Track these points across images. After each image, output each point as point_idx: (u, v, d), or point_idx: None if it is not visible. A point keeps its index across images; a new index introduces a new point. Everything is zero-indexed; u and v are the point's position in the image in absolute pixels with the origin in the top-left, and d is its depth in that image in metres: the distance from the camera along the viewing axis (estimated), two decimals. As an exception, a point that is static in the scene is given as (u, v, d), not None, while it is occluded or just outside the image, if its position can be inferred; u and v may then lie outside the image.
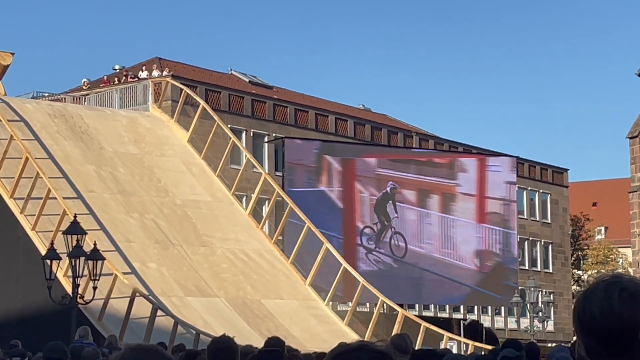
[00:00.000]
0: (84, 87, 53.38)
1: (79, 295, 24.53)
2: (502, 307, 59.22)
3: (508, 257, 44.75)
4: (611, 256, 79.55)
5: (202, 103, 39.61)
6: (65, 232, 24.97)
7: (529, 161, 66.37)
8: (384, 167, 42.97)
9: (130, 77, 52.00)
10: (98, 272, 24.51)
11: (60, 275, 27.19)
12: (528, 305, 45.40)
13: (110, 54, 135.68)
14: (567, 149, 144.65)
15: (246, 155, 39.18)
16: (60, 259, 25.25)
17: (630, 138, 49.86)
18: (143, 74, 51.67)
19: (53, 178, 31.99)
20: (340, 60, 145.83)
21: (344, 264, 34.84)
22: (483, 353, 23.46)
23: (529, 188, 66.13)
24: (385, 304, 35.11)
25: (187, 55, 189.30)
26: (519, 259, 57.83)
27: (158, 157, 36.96)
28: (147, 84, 43.42)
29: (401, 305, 35.90)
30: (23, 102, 38.04)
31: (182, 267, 32.56)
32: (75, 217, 25.39)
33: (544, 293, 55.75)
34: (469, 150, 58.74)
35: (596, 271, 77.03)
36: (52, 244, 25.37)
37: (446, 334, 33.23)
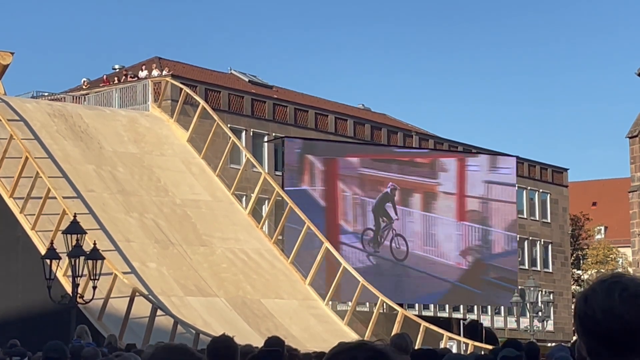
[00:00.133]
0: (84, 87, 53.38)
1: (78, 295, 24.54)
2: (502, 307, 59.24)
3: (487, 253, 45.64)
4: (611, 256, 79.56)
5: (202, 103, 39.61)
6: (64, 232, 24.97)
7: (529, 161, 66.38)
8: (367, 167, 43.66)
9: (130, 77, 52.00)
10: (98, 272, 24.52)
11: (60, 274, 27.19)
12: (528, 305, 45.40)
13: (110, 54, 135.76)
14: (567, 149, 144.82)
15: (246, 155, 39.18)
16: (60, 258, 25.26)
17: (630, 138, 49.86)
18: (143, 74, 51.67)
19: (53, 178, 31.98)
20: (340, 60, 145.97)
21: (344, 264, 34.84)
22: (483, 353, 23.46)
23: (529, 188, 66.13)
24: (385, 304, 35.12)
25: (187, 55, 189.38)
26: (519, 259, 57.87)
27: (158, 156, 36.96)
28: (147, 83, 43.42)
29: (401, 305, 35.92)
30: (23, 102, 38.03)
31: (182, 266, 32.56)
32: (74, 216, 25.40)
33: (543, 293, 55.78)
34: (468, 150, 58.74)
35: (596, 271, 77.04)
36: (51, 243, 25.38)
37: (446, 333, 33.23)
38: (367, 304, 42.21)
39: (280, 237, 37.59)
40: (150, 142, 37.63)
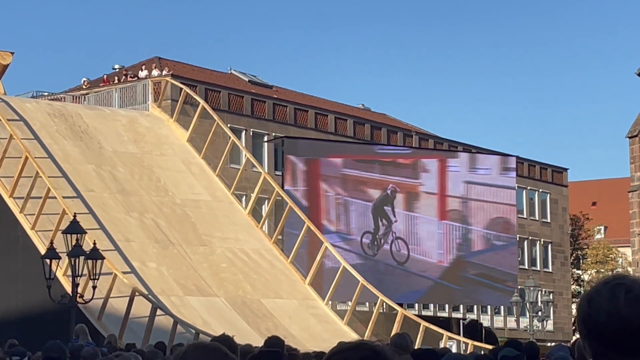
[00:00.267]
0: (84, 87, 53.37)
1: (78, 295, 24.54)
2: (502, 307, 59.26)
3: (467, 251, 46.39)
4: (611, 256, 79.53)
5: (202, 102, 39.61)
6: (64, 232, 24.98)
7: (529, 160, 66.38)
8: (349, 167, 44.10)
9: (130, 77, 52.00)
10: (97, 272, 24.53)
11: (59, 274, 27.20)
12: (527, 304, 45.43)
13: (109, 54, 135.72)
14: (566, 149, 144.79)
15: (246, 155, 39.18)
16: (59, 258, 25.27)
17: (629, 137, 49.87)
18: (142, 74, 51.66)
19: (52, 177, 31.98)
20: (340, 59, 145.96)
21: (344, 263, 34.84)
22: (482, 352, 23.45)
23: (529, 187, 66.13)
24: (384, 304, 35.14)
25: (187, 55, 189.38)
26: (519, 259, 57.90)
27: (158, 156, 36.96)
28: (147, 83, 43.42)
29: (401, 305, 35.94)
30: (23, 102, 38.03)
31: (182, 266, 32.56)
32: (74, 216, 25.40)
33: (543, 292, 55.79)
34: (468, 150, 58.75)
35: (596, 270, 77.02)
36: (51, 243, 25.39)
37: (446, 333, 33.23)
38: (367, 303, 42.21)
39: (280, 237, 37.59)
40: (150, 142, 37.63)
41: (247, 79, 59.82)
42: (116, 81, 51.21)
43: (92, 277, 24.44)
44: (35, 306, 29.11)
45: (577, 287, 76.20)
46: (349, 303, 35.48)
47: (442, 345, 29.50)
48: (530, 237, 66.45)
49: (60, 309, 25.04)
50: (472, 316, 55.47)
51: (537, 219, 67.28)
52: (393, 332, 26.91)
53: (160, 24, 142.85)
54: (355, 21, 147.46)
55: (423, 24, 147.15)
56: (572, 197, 71.56)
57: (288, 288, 34.31)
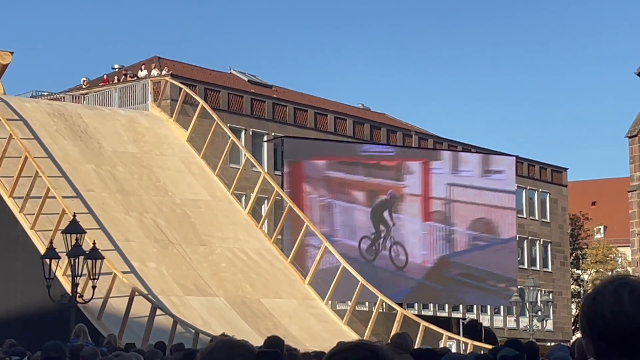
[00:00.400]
0: (83, 86, 53.38)
1: (78, 295, 24.55)
2: (502, 306, 59.28)
3: (450, 251, 47.03)
4: (610, 255, 79.52)
5: (202, 102, 39.59)
6: (64, 231, 24.99)
7: (528, 160, 66.38)
8: (333, 170, 44.23)
9: (130, 76, 52.00)
10: (97, 271, 24.54)
11: (59, 274, 27.19)
12: (527, 304, 45.45)
13: (109, 53, 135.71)
14: (566, 148, 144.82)
15: (245, 155, 39.17)
16: (59, 258, 25.27)
17: (629, 137, 49.89)
18: (142, 73, 51.67)
19: (52, 177, 31.98)
20: (340, 59, 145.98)
21: (343, 263, 34.84)
22: (482, 352, 23.44)
23: (528, 187, 66.13)
24: (384, 303, 35.13)
25: (186, 55, 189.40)
26: (519, 258, 57.91)
27: (157, 156, 36.95)
28: (146, 83, 43.40)
29: (400, 305, 35.93)
30: (22, 101, 38.02)
31: (182, 266, 32.55)
32: (74, 216, 25.41)
33: (543, 292, 55.81)
34: (468, 150, 58.75)
35: (595, 270, 77.00)
36: (51, 243, 25.39)
37: (445, 333, 33.22)
38: (367, 303, 42.20)
39: (279, 237, 37.59)
40: (149, 141, 37.62)
41: (246, 79, 59.82)
42: (116, 81, 51.21)
43: (91, 277, 24.44)
44: (34, 306, 29.10)
45: (576, 287, 76.20)
46: (349, 303, 35.47)
47: (441, 345, 29.49)
48: (529, 237, 66.44)
49: (60, 309, 25.05)
50: (471, 316, 55.49)
51: (536, 218, 67.27)
52: (393, 332, 26.90)
53: (160, 24, 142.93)
54: (354, 21, 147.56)
55: (423, 24, 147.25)
56: (571, 197, 71.55)
57: (288, 288, 34.31)
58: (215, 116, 38.26)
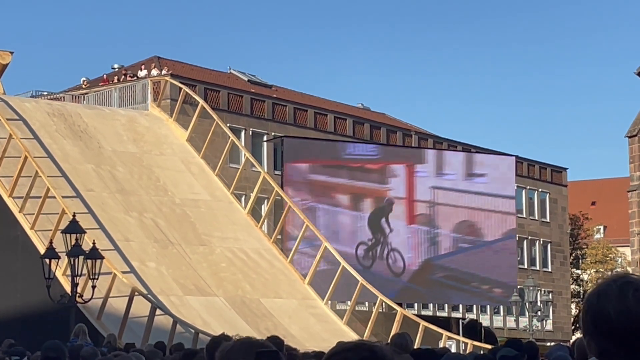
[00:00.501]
0: (83, 86, 53.37)
1: (77, 294, 24.54)
2: (501, 306, 59.28)
3: (435, 254, 47.18)
4: (610, 255, 79.50)
5: (201, 102, 39.59)
6: (64, 231, 24.98)
7: (528, 160, 66.36)
8: (316, 173, 44.10)
9: (129, 76, 51.99)
10: (97, 271, 24.53)
11: (59, 274, 27.19)
12: (527, 304, 45.40)
13: (109, 53, 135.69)
14: (566, 148, 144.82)
15: (245, 154, 39.17)
16: (59, 258, 25.27)
17: (629, 137, 49.89)
18: (142, 73, 51.66)
19: (52, 177, 31.97)
20: (339, 59, 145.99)
21: (343, 263, 34.85)
22: (482, 352, 23.46)
23: (528, 187, 66.12)
24: (384, 303, 35.14)
25: (186, 54, 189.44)
26: (518, 258, 57.91)
27: (157, 156, 36.95)
28: (146, 82, 43.39)
29: (400, 305, 35.93)
30: (22, 101, 38.02)
31: (181, 266, 32.55)
32: (74, 216, 25.41)
33: (542, 292, 55.77)
34: (467, 149, 58.76)
35: (595, 270, 77.00)
36: (51, 243, 25.39)
37: (445, 333, 33.23)
38: (367, 303, 42.20)
39: (279, 237, 37.59)
40: (149, 141, 37.62)
41: (246, 79, 59.81)
42: (115, 81, 51.20)
43: (91, 277, 24.44)
44: (34, 306, 29.10)
45: (576, 286, 76.19)
46: (349, 303, 35.47)
47: (441, 345, 29.50)
48: (529, 237, 66.43)
49: (60, 309, 25.04)
50: (471, 316, 55.49)
51: (536, 218, 67.26)
52: (392, 332, 26.90)
53: (160, 24, 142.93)
54: (354, 21, 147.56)
55: (423, 24, 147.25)
56: (571, 197, 71.54)
57: (287, 288, 34.31)
58: (215, 116, 38.26)
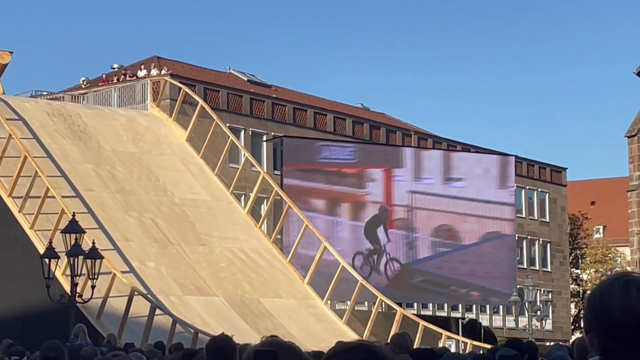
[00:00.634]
0: (83, 86, 53.35)
1: (77, 294, 24.54)
2: (501, 306, 59.28)
3: (413, 258, 46.95)
4: (609, 255, 79.51)
5: (201, 102, 39.60)
6: (63, 231, 24.99)
7: (528, 160, 66.35)
8: (290, 177, 43.83)
9: (129, 76, 51.98)
10: (96, 271, 24.53)
11: (58, 274, 27.19)
12: (526, 304, 45.41)
13: (108, 53, 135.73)
14: (565, 148, 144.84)
15: (245, 154, 39.17)
16: (58, 257, 25.27)
17: (628, 137, 49.92)
18: (141, 73, 51.65)
19: (51, 177, 31.97)
20: (339, 59, 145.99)
21: (343, 263, 34.85)
22: (481, 352, 23.45)
23: (527, 187, 66.11)
24: (383, 303, 35.14)
25: (186, 54, 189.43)
26: (517, 258, 57.91)
27: (156, 155, 36.95)
28: (146, 82, 43.38)
29: (399, 304, 35.93)
30: (21, 101, 38.02)
31: (181, 265, 32.56)
32: (73, 215, 25.41)
33: (542, 292, 55.79)
34: (467, 149, 58.76)
35: (594, 270, 77.00)
36: (50, 242, 25.39)
37: (444, 332, 33.22)
38: (366, 303, 42.20)
39: (279, 237, 37.58)
40: (149, 141, 37.62)
41: (246, 79, 59.81)
42: (115, 81, 51.18)
43: (91, 277, 24.44)
44: (34, 305, 29.10)
45: (576, 286, 76.18)
46: (348, 302, 35.48)
47: (441, 344, 29.49)
48: (529, 237, 66.42)
49: (59, 309, 25.04)
50: (471, 315, 55.49)
51: (535, 218, 67.24)
52: (392, 332, 26.91)
53: (159, 24, 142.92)
54: (354, 21, 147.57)
55: (422, 24, 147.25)
56: (571, 197, 71.53)
57: (287, 287, 34.31)
58: (214, 116, 38.25)
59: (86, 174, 34.19)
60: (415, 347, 14.32)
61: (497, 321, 62.82)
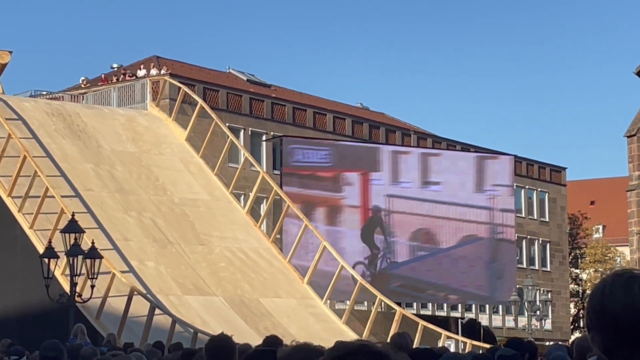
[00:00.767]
0: (82, 86, 53.35)
1: (76, 294, 24.53)
2: (500, 306, 59.28)
3: (390, 262, 46.53)
4: (609, 255, 79.55)
5: (200, 101, 39.59)
6: (63, 231, 24.98)
7: (527, 160, 66.38)
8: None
9: (128, 76, 51.98)
10: (96, 271, 24.53)
11: (58, 273, 27.19)
12: (526, 303, 45.43)
13: (108, 53, 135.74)
14: (565, 148, 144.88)
15: (244, 154, 39.17)
16: (58, 257, 25.26)
17: (628, 137, 49.91)
18: (141, 73, 51.65)
19: (51, 176, 31.97)
20: (339, 58, 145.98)
21: (342, 263, 34.85)
22: (481, 352, 23.46)
23: (527, 187, 66.13)
24: (383, 303, 35.14)
25: (185, 54, 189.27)
26: (517, 258, 57.91)
27: (156, 155, 36.95)
28: (145, 82, 43.37)
29: (399, 304, 35.93)
30: (21, 101, 38.01)
31: (180, 265, 32.55)
32: (73, 215, 25.41)
33: (541, 292, 55.83)
34: (467, 149, 58.77)
35: (594, 270, 77.04)
36: (50, 242, 25.39)
37: (444, 332, 33.23)
38: (366, 303, 42.19)
39: (278, 236, 37.57)
40: (148, 141, 37.61)
41: (245, 78, 59.82)
42: (114, 80, 51.18)
43: (90, 276, 24.44)
44: (33, 305, 29.10)
45: (575, 286, 76.23)
46: (347, 302, 35.48)
47: (440, 344, 29.50)
48: (528, 237, 66.45)
49: (59, 308, 25.04)
50: (470, 315, 55.50)
51: (535, 218, 67.27)
52: (392, 332, 26.92)
53: (159, 23, 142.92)
54: (354, 20, 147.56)
55: (422, 24, 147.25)
56: (570, 196, 71.56)
57: (286, 287, 34.31)
58: (214, 115, 38.25)
59: (85, 173, 34.18)
60: (414, 346, 14.32)
61: (497, 321, 62.84)
